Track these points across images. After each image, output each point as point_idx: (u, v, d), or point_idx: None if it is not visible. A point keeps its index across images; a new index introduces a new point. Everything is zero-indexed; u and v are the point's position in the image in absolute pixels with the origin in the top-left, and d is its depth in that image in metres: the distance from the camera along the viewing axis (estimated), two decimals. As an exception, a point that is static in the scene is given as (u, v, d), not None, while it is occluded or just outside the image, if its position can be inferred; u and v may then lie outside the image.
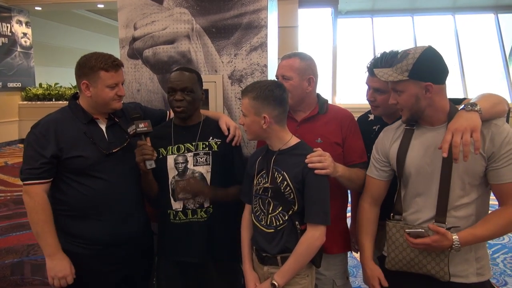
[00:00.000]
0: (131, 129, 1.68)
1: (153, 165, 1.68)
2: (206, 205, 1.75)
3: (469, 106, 1.33)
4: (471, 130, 1.26)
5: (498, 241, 3.76)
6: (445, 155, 1.28)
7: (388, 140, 1.58)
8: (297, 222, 1.50)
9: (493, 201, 1.43)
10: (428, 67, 1.38)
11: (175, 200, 1.75)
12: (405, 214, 1.50)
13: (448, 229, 1.36)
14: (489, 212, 1.45)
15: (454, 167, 1.37)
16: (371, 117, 1.90)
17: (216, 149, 1.79)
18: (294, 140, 1.57)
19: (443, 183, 1.39)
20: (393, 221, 1.50)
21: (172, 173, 1.77)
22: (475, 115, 1.30)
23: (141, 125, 1.66)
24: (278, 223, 1.52)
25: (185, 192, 1.70)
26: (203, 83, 1.83)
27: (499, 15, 10.23)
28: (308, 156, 1.49)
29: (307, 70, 1.75)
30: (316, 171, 1.47)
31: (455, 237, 1.33)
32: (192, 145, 1.78)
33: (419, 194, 1.47)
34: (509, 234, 3.87)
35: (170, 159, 1.77)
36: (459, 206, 1.40)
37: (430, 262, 1.40)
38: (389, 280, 1.55)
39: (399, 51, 1.67)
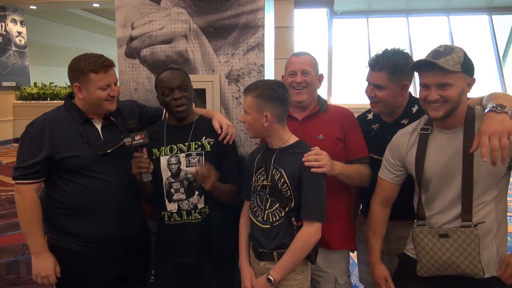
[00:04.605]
0: (127, 141, 1.65)
1: (150, 178, 1.65)
2: (200, 206, 1.74)
3: (498, 108, 1.30)
4: (508, 133, 1.23)
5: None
6: (485, 159, 1.22)
7: (404, 146, 1.55)
8: (293, 219, 1.52)
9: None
10: (471, 63, 1.37)
11: (169, 202, 1.74)
12: (427, 215, 1.49)
13: (475, 225, 1.37)
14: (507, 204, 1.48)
15: (475, 169, 1.36)
16: (370, 116, 1.92)
17: (209, 149, 1.75)
18: (293, 139, 1.59)
19: (466, 184, 1.38)
20: (418, 227, 1.47)
21: (165, 174, 1.74)
22: (506, 117, 1.27)
23: (137, 137, 1.64)
24: (274, 219, 1.54)
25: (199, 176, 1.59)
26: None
27: (492, 16, 10.33)
28: (305, 154, 1.52)
29: (318, 68, 1.83)
30: (312, 170, 1.50)
31: None
32: (184, 145, 1.75)
33: (441, 196, 1.46)
34: None
35: (163, 160, 1.75)
36: (481, 204, 1.41)
37: (463, 262, 1.38)
38: (421, 285, 1.48)
39: (400, 48, 1.71)
